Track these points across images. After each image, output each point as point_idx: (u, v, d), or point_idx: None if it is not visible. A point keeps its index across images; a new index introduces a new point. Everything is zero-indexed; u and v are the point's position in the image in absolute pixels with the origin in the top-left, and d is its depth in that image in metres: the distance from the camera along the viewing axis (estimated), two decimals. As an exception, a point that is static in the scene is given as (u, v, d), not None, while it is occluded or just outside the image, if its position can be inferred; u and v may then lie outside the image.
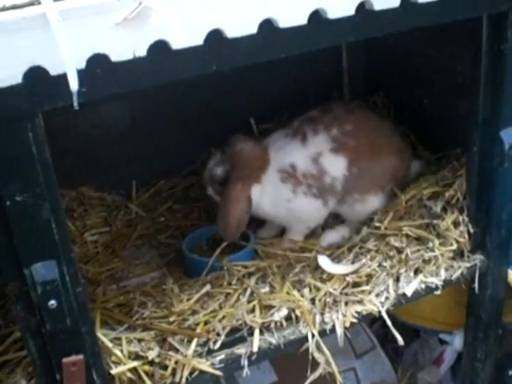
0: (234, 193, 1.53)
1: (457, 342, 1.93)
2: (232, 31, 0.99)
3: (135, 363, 1.23)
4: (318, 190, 1.58)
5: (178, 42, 0.95)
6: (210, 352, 1.30)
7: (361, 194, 1.62)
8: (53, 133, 1.07)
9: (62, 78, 0.88)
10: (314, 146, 1.59)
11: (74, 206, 1.79)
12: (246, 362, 1.31)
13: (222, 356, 1.30)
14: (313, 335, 1.34)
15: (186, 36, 0.95)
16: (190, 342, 1.29)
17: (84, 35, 0.89)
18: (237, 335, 1.33)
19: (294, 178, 1.57)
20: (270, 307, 1.37)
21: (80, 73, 0.89)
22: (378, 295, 1.43)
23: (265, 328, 1.35)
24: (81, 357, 1.11)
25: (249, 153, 1.57)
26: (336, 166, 1.59)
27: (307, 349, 1.35)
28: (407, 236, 1.51)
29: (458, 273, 1.51)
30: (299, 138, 1.60)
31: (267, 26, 1.01)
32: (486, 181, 1.46)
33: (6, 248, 0.99)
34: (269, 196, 1.57)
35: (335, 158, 1.59)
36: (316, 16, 1.05)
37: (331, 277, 1.44)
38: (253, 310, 1.36)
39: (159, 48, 0.94)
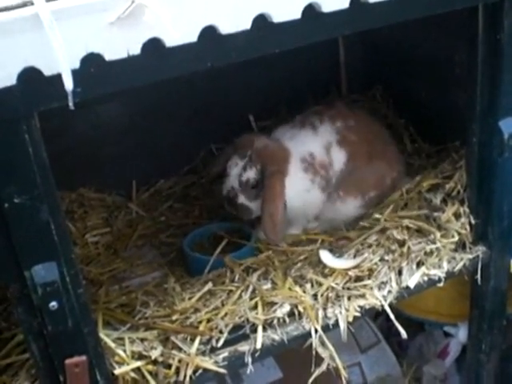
0: (277, 188, 1.49)
1: (461, 334, 1.92)
2: (226, 27, 0.98)
3: (138, 363, 1.23)
4: (325, 182, 1.58)
5: (171, 40, 0.95)
6: (214, 350, 1.30)
7: (344, 192, 1.61)
8: (51, 134, 1.08)
9: (56, 79, 0.88)
10: (324, 134, 1.59)
11: (75, 207, 1.79)
12: (249, 359, 1.30)
13: (226, 353, 1.30)
14: (316, 331, 1.34)
15: (179, 33, 0.95)
16: (193, 340, 1.29)
17: (77, 35, 0.89)
18: (240, 332, 1.32)
19: (313, 168, 1.56)
20: (273, 304, 1.37)
21: (74, 73, 0.88)
22: (380, 289, 1.43)
23: (268, 325, 1.35)
24: (84, 358, 1.11)
25: (273, 146, 1.55)
26: (339, 159, 1.59)
27: (311, 344, 1.34)
28: (408, 229, 1.51)
29: (461, 265, 1.50)
30: (309, 127, 1.60)
31: (261, 21, 1.01)
32: (486, 172, 1.46)
33: (5, 250, 0.99)
34: (294, 187, 1.54)
35: (339, 150, 1.59)
36: (310, 10, 1.04)
37: (333, 271, 1.44)
38: (255, 307, 1.36)
39: (153, 46, 0.94)
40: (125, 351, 1.23)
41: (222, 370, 1.29)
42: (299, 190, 1.56)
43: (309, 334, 1.35)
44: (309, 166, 1.56)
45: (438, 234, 1.50)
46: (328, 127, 1.60)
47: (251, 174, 1.54)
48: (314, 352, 1.34)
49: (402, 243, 1.49)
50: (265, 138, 1.58)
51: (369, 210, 1.64)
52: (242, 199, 1.56)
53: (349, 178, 1.60)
